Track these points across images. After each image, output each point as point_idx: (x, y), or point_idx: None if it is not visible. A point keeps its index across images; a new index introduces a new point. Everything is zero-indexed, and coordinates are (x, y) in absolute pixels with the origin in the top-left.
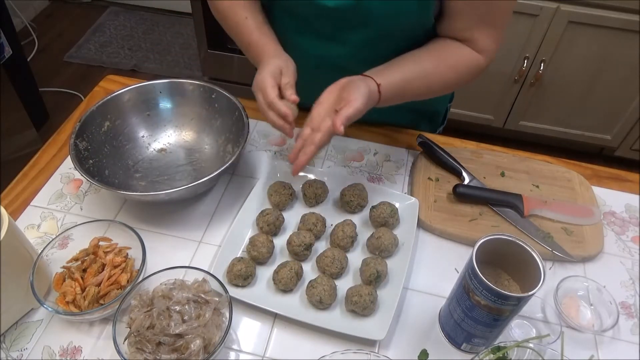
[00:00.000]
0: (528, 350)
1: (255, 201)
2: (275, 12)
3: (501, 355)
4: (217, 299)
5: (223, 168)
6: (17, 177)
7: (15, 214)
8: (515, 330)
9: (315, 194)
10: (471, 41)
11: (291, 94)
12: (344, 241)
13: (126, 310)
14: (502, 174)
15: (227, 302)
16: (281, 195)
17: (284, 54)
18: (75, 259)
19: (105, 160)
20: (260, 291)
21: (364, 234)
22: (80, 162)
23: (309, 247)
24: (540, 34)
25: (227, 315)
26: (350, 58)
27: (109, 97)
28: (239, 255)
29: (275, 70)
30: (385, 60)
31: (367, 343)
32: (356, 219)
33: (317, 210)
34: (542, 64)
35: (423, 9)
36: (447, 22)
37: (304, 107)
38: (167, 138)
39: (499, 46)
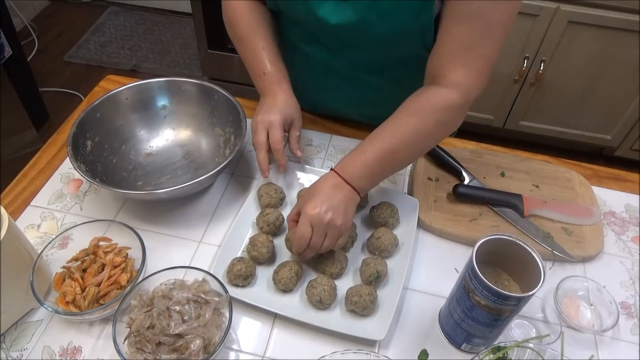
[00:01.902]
0: (528, 350)
1: (255, 201)
2: (285, 22)
3: (501, 355)
4: (217, 299)
5: (221, 166)
6: (17, 177)
7: (15, 214)
8: (515, 330)
9: None
10: (444, 75)
11: (296, 149)
12: None
13: (126, 310)
14: (502, 174)
15: (227, 302)
16: (271, 198)
17: (294, 98)
18: (75, 259)
19: (104, 160)
20: (260, 291)
21: (364, 234)
22: (79, 162)
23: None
24: (540, 34)
25: (227, 315)
26: (355, 69)
27: (107, 95)
28: (239, 255)
29: (287, 118)
30: (390, 70)
31: (367, 343)
32: (356, 219)
33: None
34: (542, 64)
35: (424, 30)
36: (435, 44)
37: (311, 111)
38: (166, 137)
39: (481, 82)
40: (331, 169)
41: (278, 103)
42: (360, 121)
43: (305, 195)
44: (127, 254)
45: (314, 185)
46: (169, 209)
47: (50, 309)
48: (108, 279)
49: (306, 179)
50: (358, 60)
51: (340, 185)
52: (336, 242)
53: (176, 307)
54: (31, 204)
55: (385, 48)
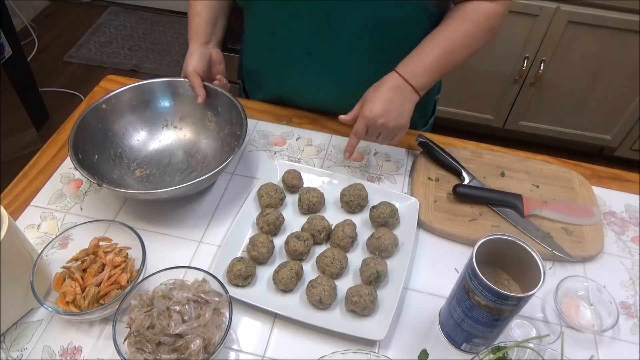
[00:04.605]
0: (528, 350)
1: (255, 201)
2: (263, 7)
3: (501, 355)
4: (217, 299)
5: (221, 167)
6: (17, 177)
7: (15, 214)
8: (515, 330)
9: (309, 201)
10: None
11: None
12: (344, 241)
13: (126, 310)
14: (502, 174)
15: (227, 302)
16: (271, 198)
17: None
18: (75, 259)
19: (104, 160)
20: (260, 291)
21: (364, 234)
22: (79, 162)
23: (303, 253)
24: (540, 34)
25: (227, 315)
26: (344, 48)
27: (108, 96)
28: (239, 255)
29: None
30: (381, 49)
31: (367, 343)
32: (356, 219)
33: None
34: (542, 64)
35: None
36: None
37: (288, 103)
38: (166, 137)
39: None
40: (393, 70)
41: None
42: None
43: (367, 97)
44: (127, 254)
45: (375, 89)
46: (169, 209)
47: (50, 309)
48: (108, 279)
49: (307, 179)
50: (348, 35)
51: (400, 87)
52: (391, 139)
53: (176, 307)
54: (31, 204)
55: (379, 8)
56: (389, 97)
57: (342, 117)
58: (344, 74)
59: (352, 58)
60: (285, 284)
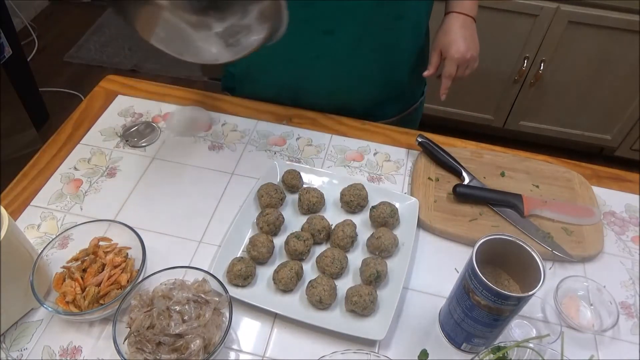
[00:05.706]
0: (528, 350)
1: (255, 201)
2: None
3: (501, 355)
4: (217, 299)
5: None
6: (17, 177)
7: (15, 214)
8: (515, 330)
9: (309, 201)
10: None
11: None
12: (344, 241)
13: (126, 310)
14: (502, 174)
15: (227, 302)
16: (271, 198)
17: None
18: (75, 259)
19: None
20: (260, 291)
21: (364, 234)
22: None
23: (303, 253)
24: (540, 34)
25: (227, 315)
26: (365, 20)
27: None
28: (239, 255)
29: None
30: (397, 13)
31: (367, 343)
32: (356, 219)
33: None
34: (542, 64)
35: None
36: None
37: (304, 104)
38: None
39: None
40: (450, 12)
41: None
42: (358, 117)
43: (442, 44)
44: (127, 254)
45: (446, 34)
46: (169, 209)
47: (50, 309)
48: (108, 279)
49: (307, 179)
50: (357, 25)
51: (465, 22)
52: (474, 67)
53: (176, 307)
54: (31, 204)
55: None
56: (463, 34)
57: (426, 73)
58: (364, 47)
59: (372, 28)
60: (285, 284)
